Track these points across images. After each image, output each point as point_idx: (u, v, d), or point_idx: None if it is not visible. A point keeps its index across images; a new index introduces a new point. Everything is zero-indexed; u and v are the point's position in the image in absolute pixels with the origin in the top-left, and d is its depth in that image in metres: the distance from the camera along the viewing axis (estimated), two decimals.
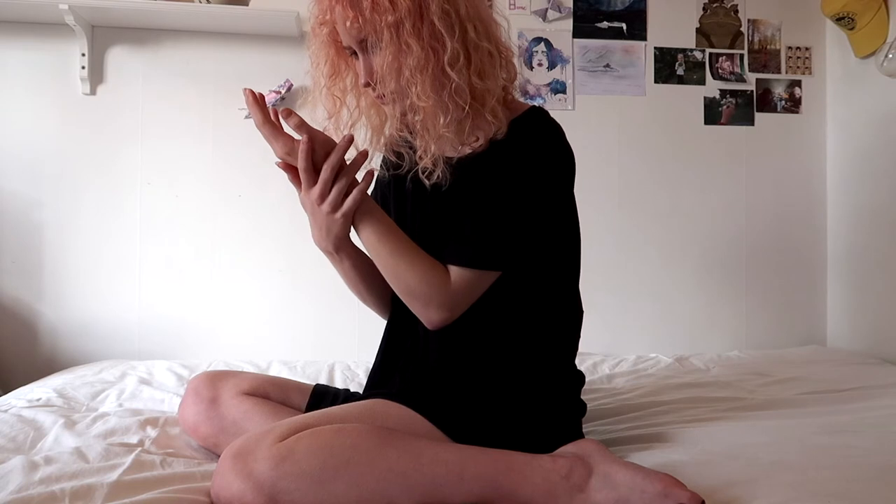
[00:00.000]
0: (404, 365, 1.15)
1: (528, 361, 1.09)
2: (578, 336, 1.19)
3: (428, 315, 1.03)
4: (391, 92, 1.02)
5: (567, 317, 1.16)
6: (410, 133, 1.10)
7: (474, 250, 1.02)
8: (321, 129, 1.05)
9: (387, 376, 1.17)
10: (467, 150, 1.08)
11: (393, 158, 1.14)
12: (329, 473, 0.85)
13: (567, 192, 1.11)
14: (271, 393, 1.19)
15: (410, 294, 1.03)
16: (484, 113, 1.02)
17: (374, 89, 1.04)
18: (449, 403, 1.03)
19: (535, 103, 2.29)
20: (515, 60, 1.11)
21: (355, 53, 1.04)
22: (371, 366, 1.22)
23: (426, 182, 1.07)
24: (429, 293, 1.01)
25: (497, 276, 1.05)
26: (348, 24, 0.99)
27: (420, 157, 1.05)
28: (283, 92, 2.11)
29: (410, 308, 1.05)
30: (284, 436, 0.88)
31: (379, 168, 1.20)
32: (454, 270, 1.03)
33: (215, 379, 1.19)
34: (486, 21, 1.04)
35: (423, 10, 0.97)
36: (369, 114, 1.12)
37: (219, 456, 0.94)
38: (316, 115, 1.09)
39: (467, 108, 1.00)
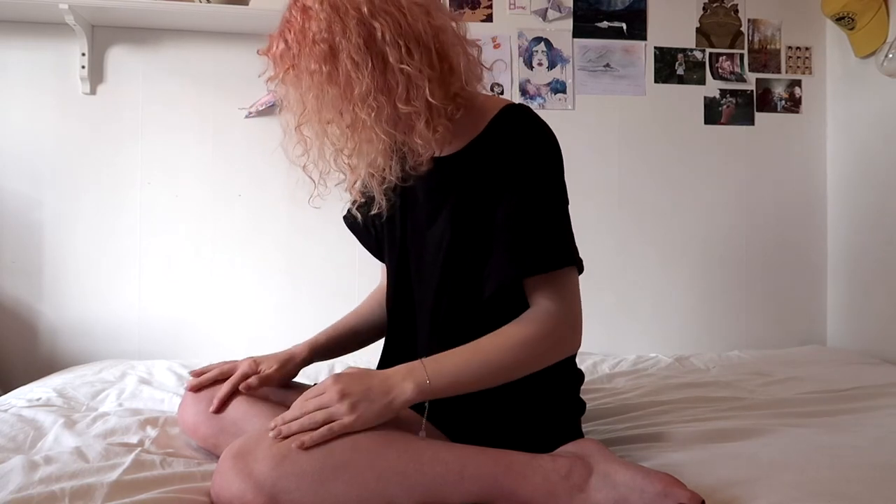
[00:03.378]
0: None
1: None
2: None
3: (564, 350, 1.01)
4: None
5: None
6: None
7: (542, 255, 0.98)
8: (300, 167, 1.05)
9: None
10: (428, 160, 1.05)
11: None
12: (329, 473, 0.85)
13: (562, 173, 1.09)
14: (270, 394, 1.19)
15: (533, 364, 0.99)
16: (413, 136, 0.99)
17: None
18: (448, 403, 1.03)
19: (536, 103, 2.30)
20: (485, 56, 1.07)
21: None
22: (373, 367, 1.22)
23: (358, 217, 1.11)
24: (546, 344, 0.98)
25: (576, 274, 1.03)
26: (282, 75, 0.99)
27: (349, 191, 1.07)
28: None
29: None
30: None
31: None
32: (540, 295, 0.99)
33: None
34: (419, 34, 0.98)
35: (337, 51, 0.95)
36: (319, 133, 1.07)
37: (218, 456, 0.94)
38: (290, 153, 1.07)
39: (388, 139, 0.99)
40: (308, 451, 0.86)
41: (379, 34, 0.95)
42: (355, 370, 0.96)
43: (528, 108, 1.07)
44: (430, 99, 0.98)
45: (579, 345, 1.02)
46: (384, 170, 1.01)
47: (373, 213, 1.08)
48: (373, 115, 0.96)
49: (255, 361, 1.20)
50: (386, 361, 1.19)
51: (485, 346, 0.97)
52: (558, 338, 0.99)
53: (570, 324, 1.00)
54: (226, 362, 1.21)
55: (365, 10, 0.95)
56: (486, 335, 0.98)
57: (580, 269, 1.13)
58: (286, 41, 0.98)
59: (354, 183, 1.04)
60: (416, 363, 0.96)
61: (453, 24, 1.03)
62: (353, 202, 1.14)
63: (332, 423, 0.88)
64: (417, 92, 0.97)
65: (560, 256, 1.00)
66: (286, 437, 0.88)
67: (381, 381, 0.93)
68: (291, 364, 1.23)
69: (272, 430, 0.89)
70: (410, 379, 0.93)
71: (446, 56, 1.01)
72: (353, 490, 0.86)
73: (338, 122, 0.98)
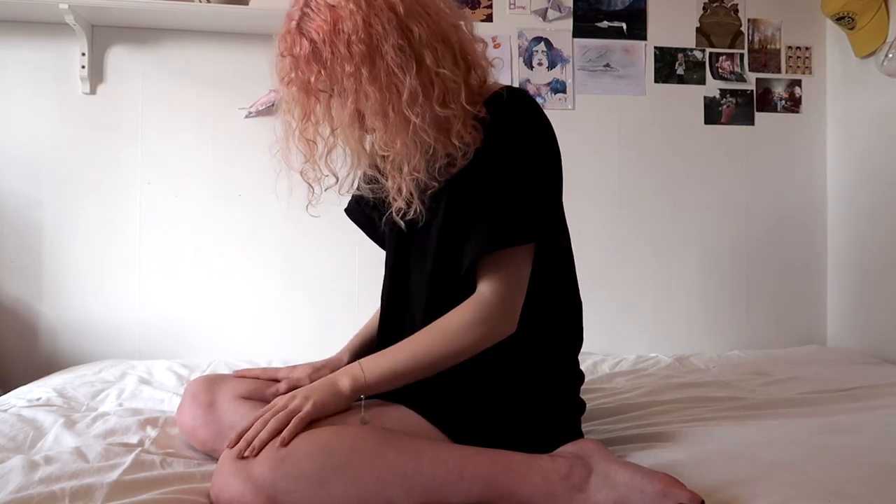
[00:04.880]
0: None
1: (527, 359, 1.09)
2: (580, 332, 1.18)
3: (499, 338, 1.01)
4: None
5: (566, 312, 1.15)
6: (380, 172, 1.08)
7: (490, 234, 0.98)
8: (298, 172, 1.07)
9: None
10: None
11: (373, 172, 1.11)
12: (328, 474, 0.85)
13: (554, 163, 1.07)
14: (269, 395, 1.18)
15: (466, 345, 1.00)
16: (451, 138, 0.99)
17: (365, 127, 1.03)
18: (448, 403, 1.03)
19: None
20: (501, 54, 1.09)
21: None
22: None
23: (401, 223, 1.05)
24: (476, 324, 0.99)
25: (529, 252, 1.01)
26: (312, 79, 0.97)
27: (393, 199, 1.03)
28: None
29: (483, 349, 1.02)
30: None
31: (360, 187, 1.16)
32: (481, 286, 1.00)
33: (212, 383, 1.18)
34: (446, 35, 0.99)
35: (377, 53, 0.94)
36: (346, 136, 1.05)
37: (217, 458, 0.94)
38: (290, 160, 1.07)
39: (433, 142, 0.98)
40: (307, 452, 0.86)
41: (416, 36, 0.95)
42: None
43: (522, 90, 1.06)
44: (464, 103, 0.98)
45: (513, 330, 1.02)
46: (420, 173, 1.00)
47: (409, 218, 1.04)
48: (418, 118, 0.95)
49: (292, 368, 1.24)
50: (380, 343, 1.18)
51: (419, 338, 1.01)
52: (491, 327, 1.00)
53: (505, 313, 1.00)
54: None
55: (401, 9, 0.95)
56: (426, 326, 1.02)
57: (553, 242, 1.09)
58: (313, 41, 0.95)
59: (399, 189, 1.01)
60: (354, 364, 1.01)
61: (462, 22, 1.04)
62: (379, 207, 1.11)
63: (300, 413, 0.91)
64: (453, 95, 0.98)
65: (508, 236, 0.98)
66: (259, 451, 0.87)
67: (324, 381, 1.00)
68: (325, 370, 1.20)
69: (236, 448, 0.88)
70: (347, 376, 0.99)
71: (465, 55, 1.02)
72: (353, 491, 0.86)
73: (382, 126, 0.97)
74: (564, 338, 1.15)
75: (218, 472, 0.87)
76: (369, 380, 0.99)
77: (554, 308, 1.12)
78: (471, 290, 1.03)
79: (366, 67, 0.93)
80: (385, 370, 1.00)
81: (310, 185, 1.07)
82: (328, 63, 0.95)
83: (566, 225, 1.15)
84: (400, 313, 1.16)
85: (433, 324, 1.02)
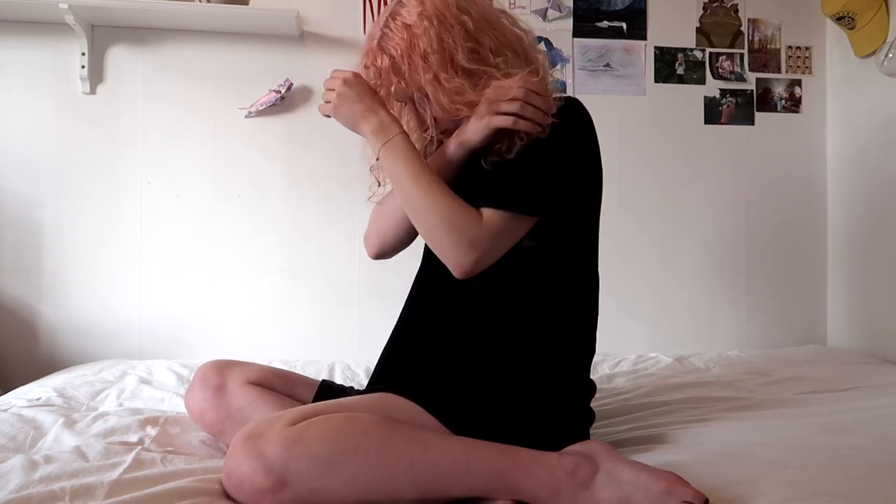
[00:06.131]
0: (418, 360, 1.15)
1: (541, 365, 1.10)
2: (594, 343, 1.20)
3: (457, 255, 1.02)
4: (448, 128, 1.11)
5: (584, 322, 1.17)
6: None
7: (508, 194, 1.03)
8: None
9: (396, 367, 1.17)
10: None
11: None
12: (339, 457, 0.86)
13: (593, 172, 1.23)
14: (277, 385, 1.20)
15: (444, 226, 1.02)
16: (515, 137, 1.05)
17: (434, 132, 1.13)
18: (460, 404, 1.03)
19: None
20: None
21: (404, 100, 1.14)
22: (377, 359, 1.22)
23: None
24: (463, 226, 1.01)
25: (527, 227, 1.06)
26: (393, 88, 1.09)
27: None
28: (283, 91, 2.11)
29: (439, 249, 1.04)
30: (296, 420, 0.89)
31: None
32: (487, 212, 1.03)
33: (223, 367, 1.21)
34: (511, 45, 1.08)
35: (449, 61, 1.04)
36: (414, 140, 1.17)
37: (222, 446, 0.94)
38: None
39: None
40: (320, 434, 0.87)
41: (486, 46, 1.05)
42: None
43: (577, 101, 1.14)
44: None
45: (464, 265, 1.03)
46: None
47: None
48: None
49: None
50: (398, 336, 1.20)
51: (432, 183, 1.04)
52: (459, 244, 1.02)
53: (478, 249, 1.02)
54: None
55: (470, 25, 1.04)
56: (443, 185, 1.05)
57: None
58: (392, 57, 1.07)
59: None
60: (398, 128, 1.07)
61: (523, 34, 1.12)
62: None
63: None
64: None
65: (515, 202, 1.04)
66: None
67: (369, 106, 1.07)
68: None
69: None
70: (383, 130, 1.06)
71: (530, 62, 1.09)
72: (361, 475, 0.87)
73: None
74: (579, 347, 1.16)
75: (230, 452, 0.88)
76: (384, 153, 1.06)
77: (573, 317, 1.15)
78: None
79: (443, 72, 1.03)
80: (394, 162, 1.05)
81: (377, 180, 1.20)
82: (406, 74, 1.06)
83: (597, 238, 1.25)
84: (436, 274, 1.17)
85: (452, 192, 1.04)
